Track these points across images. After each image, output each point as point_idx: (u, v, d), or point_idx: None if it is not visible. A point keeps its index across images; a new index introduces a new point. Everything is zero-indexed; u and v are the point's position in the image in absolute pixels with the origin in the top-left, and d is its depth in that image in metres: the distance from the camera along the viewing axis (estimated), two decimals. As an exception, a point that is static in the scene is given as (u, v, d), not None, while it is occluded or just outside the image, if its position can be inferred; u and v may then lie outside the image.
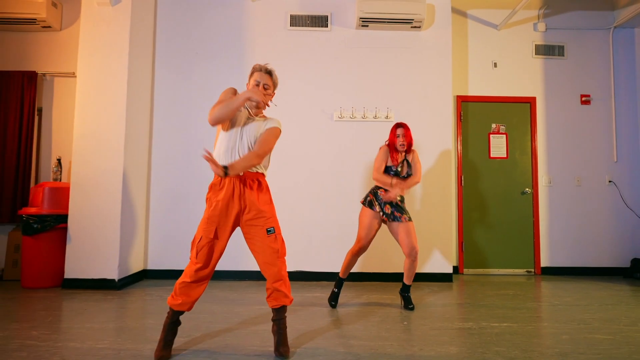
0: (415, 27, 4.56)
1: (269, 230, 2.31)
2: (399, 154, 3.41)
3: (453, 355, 2.37)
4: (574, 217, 5.11)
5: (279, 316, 2.38)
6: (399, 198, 3.37)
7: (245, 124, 2.34)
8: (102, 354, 2.31)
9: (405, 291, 3.46)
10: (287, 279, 2.37)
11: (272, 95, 2.45)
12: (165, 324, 2.30)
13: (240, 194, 2.29)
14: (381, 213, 3.34)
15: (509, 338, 2.70)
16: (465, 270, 5.04)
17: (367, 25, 4.58)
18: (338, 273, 4.02)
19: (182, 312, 2.31)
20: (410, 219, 3.35)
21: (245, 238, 2.37)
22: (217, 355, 2.31)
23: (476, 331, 2.84)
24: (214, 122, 2.21)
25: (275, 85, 2.46)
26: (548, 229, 5.09)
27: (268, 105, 2.32)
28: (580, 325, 3.00)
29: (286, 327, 2.39)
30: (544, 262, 5.07)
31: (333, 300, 3.45)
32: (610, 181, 5.14)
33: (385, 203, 3.34)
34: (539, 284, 4.54)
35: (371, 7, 4.40)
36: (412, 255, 3.31)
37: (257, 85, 2.38)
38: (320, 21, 4.66)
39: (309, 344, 2.52)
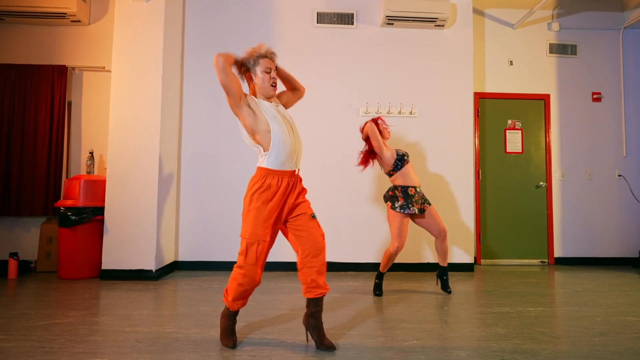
0: (438, 25, 4.71)
1: (313, 216, 2.31)
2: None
3: (503, 335, 2.54)
4: (585, 209, 5.33)
5: (317, 307, 2.29)
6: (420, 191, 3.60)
7: (280, 114, 2.31)
8: (173, 337, 2.42)
9: (442, 274, 3.64)
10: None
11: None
12: (226, 317, 2.35)
13: (289, 193, 2.28)
14: (415, 211, 3.46)
15: (548, 321, 2.88)
16: (483, 261, 5.23)
17: (392, 23, 4.71)
18: (365, 263, 4.42)
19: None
20: (430, 204, 3.57)
21: (290, 233, 2.32)
22: (260, 343, 2.44)
23: (515, 315, 3.01)
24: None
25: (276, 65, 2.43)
26: (561, 221, 5.30)
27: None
28: (609, 309, 3.19)
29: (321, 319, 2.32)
30: (557, 253, 5.29)
31: (377, 290, 3.61)
32: (619, 175, 5.37)
33: (414, 202, 3.46)
34: (554, 273, 4.74)
35: (398, 5, 4.53)
36: (441, 236, 3.53)
37: (268, 72, 2.31)
38: (346, 18, 4.78)
39: (351, 334, 2.66)
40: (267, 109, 2.28)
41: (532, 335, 2.54)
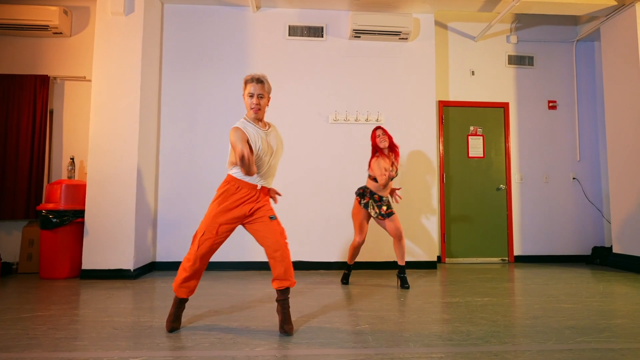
0: (402, 38, 5.05)
1: (272, 217, 2.59)
2: (388, 156, 3.92)
3: (446, 320, 2.83)
4: (543, 210, 5.70)
5: (283, 296, 2.57)
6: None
7: (262, 144, 2.57)
8: (148, 325, 2.66)
9: (401, 272, 3.96)
10: (291, 263, 2.58)
11: (268, 100, 2.65)
12: (173, 303, 2.62)
13: (255, 200, 2.58)
14: (378, 215, 3.87)
15: (490, 308, 3.18)
16: (447, 260, 5.55)
17: (359, 36, 5.04)
18: (332, 262, 4.80)
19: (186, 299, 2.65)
20: (392, 213, 3.91)
21: (251, 232, 2.62)
22: (226, 329, 2.70)
23: (463, 304, 3.31)
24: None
25: (268, 91, 2.64)
26: (520, 222, 5.66)
27: (263, 106, 2.61)
28: (549, 299, 3.52)
29: (289, 307, 2.59)
30: (517, 251, 5.64)
31: (345, 279, 4.05)
32: (574, 178, 5.76)
33: (381, 205, 3.88)
34: (512, 269, 5.08)
35: (363, 20, 4.86)
36: (397, 237, 3.89)
37: (251, 96, 2.56)
38: (316, 32, 5.09)
39: (313, 321, 2.94)
40: (249, 133, 2.57)
41: (472, 320, 2.84)
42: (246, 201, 2.57)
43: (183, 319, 2.79)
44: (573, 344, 2.35)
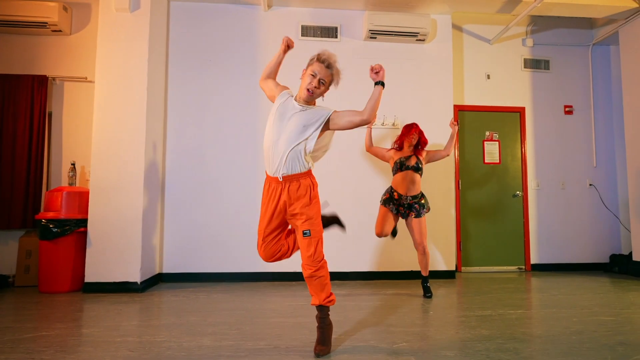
0: (419, 40, 4.88)
1: (305, 233, 2.34)
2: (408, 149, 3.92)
3: (487, 336, 2.63)
4: (559, 217, 5.55)
5: (319, 312, 2.40)
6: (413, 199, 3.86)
7: (293, 113, 2.35)
8: (166, 346, 2.41)
9: (424, 282, 3.90)
10: (326, 280, 2.36)
11: (325, 90, 2.38)
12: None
13: (280, 194, 2.36)
14: (395, 212, 3.82)
15: (527, 322, 2.99)
16: (463, 268, 5.36)
17: (375, 37, 4.86)
18: (349, 272, 4.71)
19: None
20: (418, 215, 3.79)
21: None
22: (254, 350, 2.46)
23: (497, 317, 3.11)
24: (265, 77, 2.61)
25: (332, 81, 2.38)
26: (537, 229, 5.50)
27: (318, 94, 2.35)
28: (583, 310, 3.34)
29: (327, 326, 2.37)
30: (533, 260, 5.47)
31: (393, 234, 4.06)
32: (590, 184, 5.62)
33: (400, 204, 3.81)
34: (531, 279, 4.91)
35: (380, 20, 4.69)
36: (418, 249, 3.84)
37: (314, 76, 2.31)
38: (330, 32, 4.90)
39: (346, 339, 2.72)
40: (278, 104, 2.42)
41: (514, 335, 2.64)
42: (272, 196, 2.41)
43: (204, 337, 2.56)
44: (638, 365, 2.17)
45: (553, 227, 5.53)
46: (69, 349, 2.35)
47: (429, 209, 3.89)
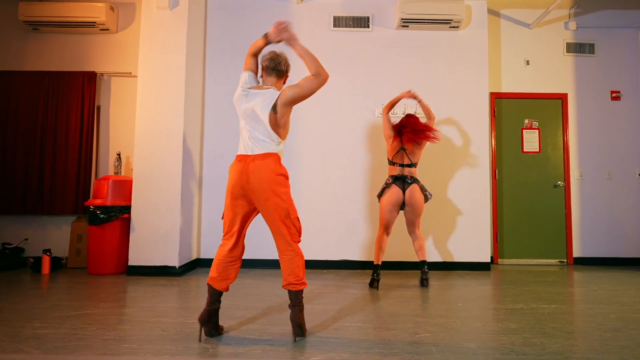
0: (453, 27, 4.77)
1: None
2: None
3: (514, 330, 2.59)
4: (604, 209, 5.29)
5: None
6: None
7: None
8: (196, 328, 2.55)
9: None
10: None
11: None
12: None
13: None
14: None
15: (560, 317, 2.91)
16: (500, 260, 5.24)
17: (408, 26, 4.80)
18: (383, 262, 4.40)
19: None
20: (425, 194, 3.84)
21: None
22: (279, 334, 2.56)
23: (528, 311, 3.05)
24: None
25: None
26: (580, 221, 5.27)
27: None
28: (623, 307, 3.20)
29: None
30: (576, 253, 5.26)
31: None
32: (640, 175, 5.32)
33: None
34: (572, 272, 4.73)
35: (412, 8, 4.61)
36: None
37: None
38: (362, 22, 4.89)
39: (369, 328, 2.76)
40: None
41: (544, 330, 2.59)
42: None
43: (234, 320, 2.69)
44: (671, 363, 2.08)
45: (598, 219, 5.28)
46: (108, 327, 2.55)
47: (430, 195, 3.91)
